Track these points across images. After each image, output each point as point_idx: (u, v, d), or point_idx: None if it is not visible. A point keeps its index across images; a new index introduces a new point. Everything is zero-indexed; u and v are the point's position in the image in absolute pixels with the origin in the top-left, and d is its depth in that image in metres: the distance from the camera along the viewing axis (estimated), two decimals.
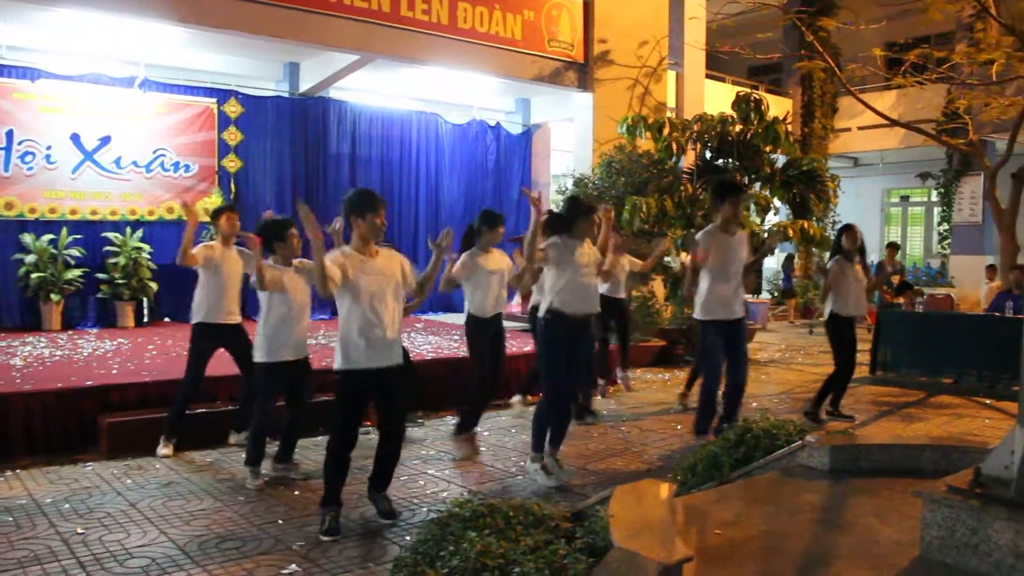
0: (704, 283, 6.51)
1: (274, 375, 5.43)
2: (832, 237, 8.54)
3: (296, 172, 12.81)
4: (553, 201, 15.84)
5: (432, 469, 5.92)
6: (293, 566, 4.01)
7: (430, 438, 6.90)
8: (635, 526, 2.99)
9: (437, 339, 10.00)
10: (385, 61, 11.93)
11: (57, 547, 4.26)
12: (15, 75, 10.76)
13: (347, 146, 13.43)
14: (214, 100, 12.18)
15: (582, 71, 13.63)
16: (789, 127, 12.73)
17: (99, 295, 11.13)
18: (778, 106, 16.92)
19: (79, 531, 4.50)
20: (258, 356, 5.44)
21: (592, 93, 13.63)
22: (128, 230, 11.28)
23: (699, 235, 6.62)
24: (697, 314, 6.60)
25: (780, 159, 12.31)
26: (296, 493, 5.28)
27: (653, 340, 11.49)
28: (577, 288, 5.46)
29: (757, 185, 11.93)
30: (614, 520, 2.98)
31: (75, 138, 11.09)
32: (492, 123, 15.39)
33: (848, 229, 7.88)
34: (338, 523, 4.52)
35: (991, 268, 14.77)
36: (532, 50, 12.99)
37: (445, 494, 5.27)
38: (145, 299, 11.37)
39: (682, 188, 11.50)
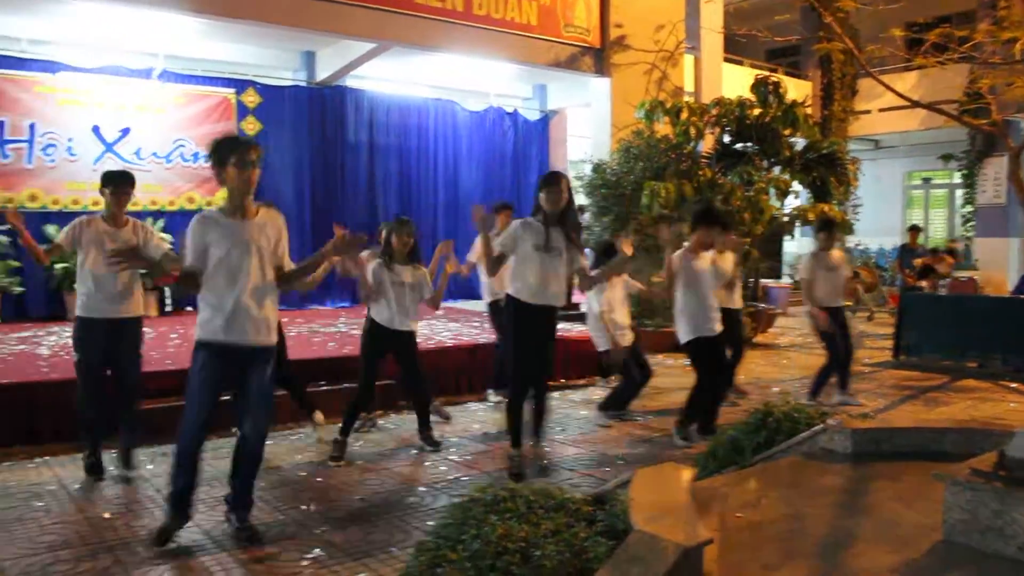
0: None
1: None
2: (853, 221, 8.51)
3: (314, 161, 12.88)
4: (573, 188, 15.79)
5: (454, 455, 5.95)
6: (317, 550, 4.06)
7: (453, 423, 6.93)
8: (655, 509, 3.00)
9: (456, 326, 10.02)
10: (401, 49, 11.94)
11: (84, 531, 4.33)
12: (36, 68, 10.85)
13: (364, 134, 13.46)
14: (232, 90, 12.24)
15: (599, 56, 13.58)
16: (808, 110, 12.64)
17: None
18: (797, 89, 16.79)
19: (105, 516, 4.57)
20: None
21: (609, 78, 13.57)
22: (149, 220, 11.34)
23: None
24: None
25: (800, 142, 12.22)
26: (319, 480, 5.32)
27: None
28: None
29: (776, 169, 11.87)
30: (634, 503, 2.99)
31: (96, 130, 11.18)
32: (509, 110, 15.37)
33: (827, 227, 7.87)
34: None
35: None
36: (548, 36, 12.95)
37: (467, 479, 5.30)
38: (167, 288, 11.45)
39: (701, 172, 11.45)
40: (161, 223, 11.33)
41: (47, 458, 5.77)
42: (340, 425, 5.92)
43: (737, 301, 7.65)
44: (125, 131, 11.40)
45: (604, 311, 7.01)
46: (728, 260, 6.88)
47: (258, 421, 4.19)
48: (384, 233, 6.28)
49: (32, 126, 10.80)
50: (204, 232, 4.05)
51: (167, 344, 8.39)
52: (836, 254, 7.82)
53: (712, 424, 6.21)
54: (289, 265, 4.33)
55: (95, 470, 5.27)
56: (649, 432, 6.68)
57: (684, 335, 6.33)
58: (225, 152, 4.05)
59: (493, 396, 7.72)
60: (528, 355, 5.34)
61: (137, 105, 11.46)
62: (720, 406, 6.48)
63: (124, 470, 5.35)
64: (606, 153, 12.94)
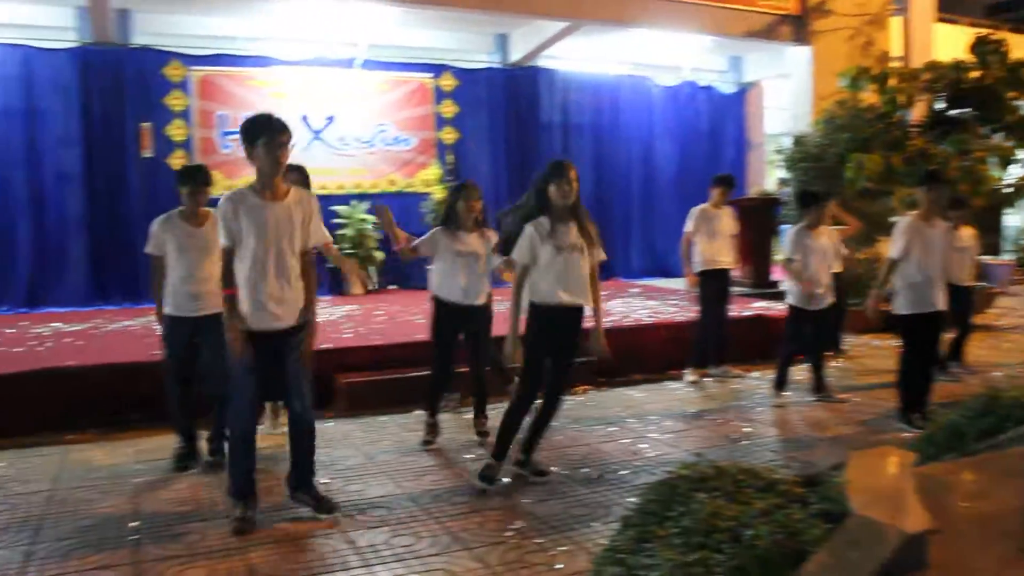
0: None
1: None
2: None
3: (510, 141, 13.10)
4: (769, 161, 15.30)
5: (654, 432, 5.92)
6: (520, 522, 4.14)
7: (651, 401, 6.89)
8: (874, 493, 2.86)
9: (655, 303, 9.93)
10: (594, 26, 11.91)
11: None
12: (251, 64, 11.62)
13: (558, 114, 13.55)
14: (430, 75, 12.62)
15: (798, 24, 13.01)
16: None
17: (330, 265, 11.84)
18: (1022, 47, 15.45)
19: (324, 481, 4.84)
20: None
21: (810, 46, 13.00)
22: (354, 203, 11.92)
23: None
24: None
25: None
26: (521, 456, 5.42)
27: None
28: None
29: (998, 136, 10.98)
30: (851, 487, 2.86)
31: (304, 119, 11.83)
32: (703, 84, 15.01)
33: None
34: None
35: None
36: (744, 5, 12.56)
37: (667, 457, 5.25)
38: (372, 268, 11.99)
39: (911, 142, 10.76)
40: (365, 205, 11.84)
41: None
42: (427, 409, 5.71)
43: (968, 278, 7.21)
44: (330, 119, 12.00)
45: (795, 259, 6.70)
46: (967, 233, 6.49)
47: (302, 397, 4.19)
48: (448, 198, 5.79)
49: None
50: (235, 212, 4.01)
51: (372, 320, 8.78)
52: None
53: (925, 409, 5.84)
54: (324, 239, 4.34)
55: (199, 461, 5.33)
56: (855, 413, 6.37)
57: (902, 308, 5.94)
58: (255, 132, 4.01)
59: (690, 375, 7.60)
60: (541, 363, 4.72)
61: (341, 93, 12.03)
62: (931, 388, 6.06)
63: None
64: (806, 125, 12.39)
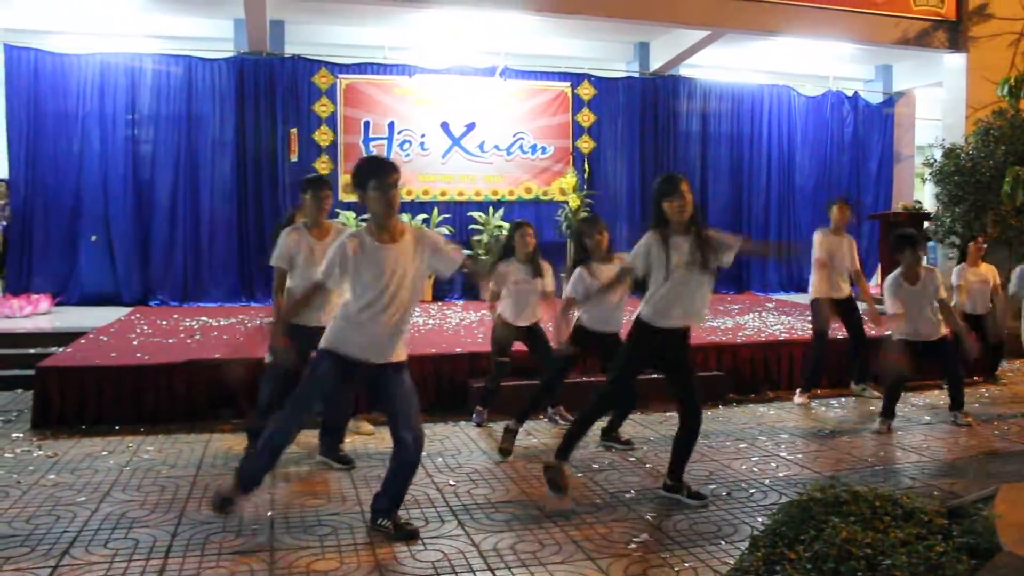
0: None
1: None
2: None
3: (646, 151, 13.03)
4: (918, 175, 14.66)
5: (784, 451, 5.75)
6: (645, 535, 4.09)
7: (783, 419, 6.71)
8: None
9: (789, 319, 9.66)
10: (736, 35, 11.71)
11: (433, 495, 4.69)
12: (396, 72, 12.00)
13: (697, 123, 13.38)
14: (568, 84, 12.68)
15: (954, 29, 12.40)
16: None
17: (464, 270, 12.02)
18: None
19: (451, 483, 4.92)
20: None
21: (966, 53, 12.36)
22: (491, 209, 12.10)
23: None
24: None
25: None
26: (648, 466, 5.37)
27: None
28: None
29: None
30: (1001, 521, 2.71)
31: (444, 126, 12.10)
32: (849, 93, 14.53)
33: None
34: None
35: None
36: (895, 11, 12.06)
37: (797, 477, 5.10)
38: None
39: None
40: (501, 212, 11.99)
41: None
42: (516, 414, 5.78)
43: None
44: (470, 126, 12.22)
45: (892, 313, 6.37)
46: None
47: (412, 429, 4.08)
48: (575, 234, 6.07)
49: (391, 124, 11.94)
50: (354, 251, 3.96)
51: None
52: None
53: None
54: (462, 257, 4.26)
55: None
56: (1004, 443, 6.02)
57: None
58: (364, 176, 3.96)
59: (798, 398, 7.35)
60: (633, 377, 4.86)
61: (481, 101, 12.23)
62: None
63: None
64: (960, 136, 11.80)
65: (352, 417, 5.90)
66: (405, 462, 4.11)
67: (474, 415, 6.50)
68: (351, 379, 4.18)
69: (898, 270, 6.37)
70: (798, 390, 7.43)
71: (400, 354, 4.10)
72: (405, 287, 4.01)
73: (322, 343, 4.07)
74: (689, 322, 4.60)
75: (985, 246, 8.60)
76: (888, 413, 6.43)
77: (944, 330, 6.41)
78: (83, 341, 7.71)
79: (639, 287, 4.76)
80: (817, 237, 7.34)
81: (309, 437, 5.49)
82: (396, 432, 4.07)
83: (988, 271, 8.41)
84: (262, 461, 4.14)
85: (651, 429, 6.31)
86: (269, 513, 4.37)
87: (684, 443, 4.73)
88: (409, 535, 4.07)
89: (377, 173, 3.95)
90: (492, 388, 6.37)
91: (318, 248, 5.19)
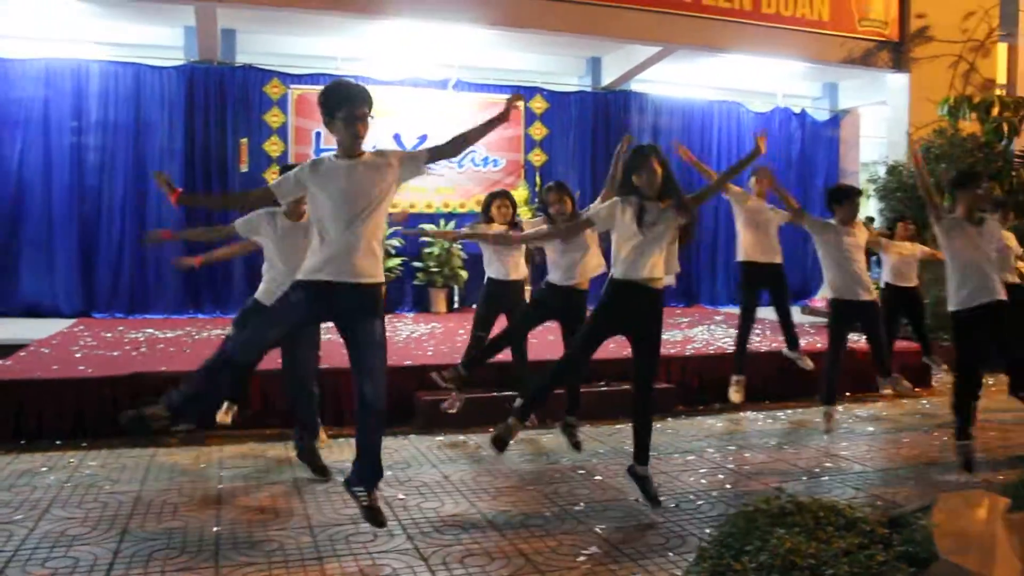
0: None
1: None
2: None
3: (597, 164, 13.09)
4: (864, 192, 14.94)
5: (731, 463, 5.81)
6: (594, 548, 4.10)
7: (731, 431, 6.78)
8: (962, 539, 2.76)
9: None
10: (687, 51, 11.88)
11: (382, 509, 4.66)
12: None
13: (648, 138, 13.44)
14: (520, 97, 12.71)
15: (897, 50, 12.72)
16: None
17: (415, 282, 12.01)
18: None
19: (400, 496, 4.89)
20: None
21: (908, 73, 12.71)
22: (442, 222, 12.07)
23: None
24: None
25: None
26: (597, 478, 5.39)
27: None
28: None
29: None
30: (939, 530, 2.77)
31: (396, 138, 12.04)
32: (797, 110, 14.79)
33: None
34: None
35: None
36: (841, 31, 12.35)
37: (744, 488, 5.15)
38: (456, 286, 12.12)
39: (1014, 173, 10.41)
40: (452, 225, 11.98)
41: (340, 440, 6.26)
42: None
43: None
44: (422, 138, 12.18)
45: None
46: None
47: (376, 382, 4.05)
48: (542, 203, 6.38)
49: None
50: (310, 172, 4.00)
51: (454, 338, 8.85)
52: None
53: None
54: (422, 153, 4.25)
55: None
56: (940, 453, 6.14)
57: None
58: (334, 102, 3.89)
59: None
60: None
61: (434, 113, 12.22)
62: None
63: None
64: (903, 154, 12.09)
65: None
66: (367, 415, 4.06)
67: (444, 403, 6.50)
68: (321, 312, 4.14)
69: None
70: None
71: (368, 274, 3.97)
72: (369, 199, 3.96)
73: (298, 274, 4.05)
74: (654, 282, 4.60)
75: (912, 227, 8.67)
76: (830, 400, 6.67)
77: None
78: (23, 354, 7.52)
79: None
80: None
81: (259, 451, 5.42)
82: (360, 386, 4.02)
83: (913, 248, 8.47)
84: (216, 387, 4.12)
85: (599, 441, 6.33)
86: (215, 528, 4.31)
87: (637, 424, 4.81)
88: (374, 519, 4.05)
89: (348, 102, 3.88)
90: (467, 363, 6.31)
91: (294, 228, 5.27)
